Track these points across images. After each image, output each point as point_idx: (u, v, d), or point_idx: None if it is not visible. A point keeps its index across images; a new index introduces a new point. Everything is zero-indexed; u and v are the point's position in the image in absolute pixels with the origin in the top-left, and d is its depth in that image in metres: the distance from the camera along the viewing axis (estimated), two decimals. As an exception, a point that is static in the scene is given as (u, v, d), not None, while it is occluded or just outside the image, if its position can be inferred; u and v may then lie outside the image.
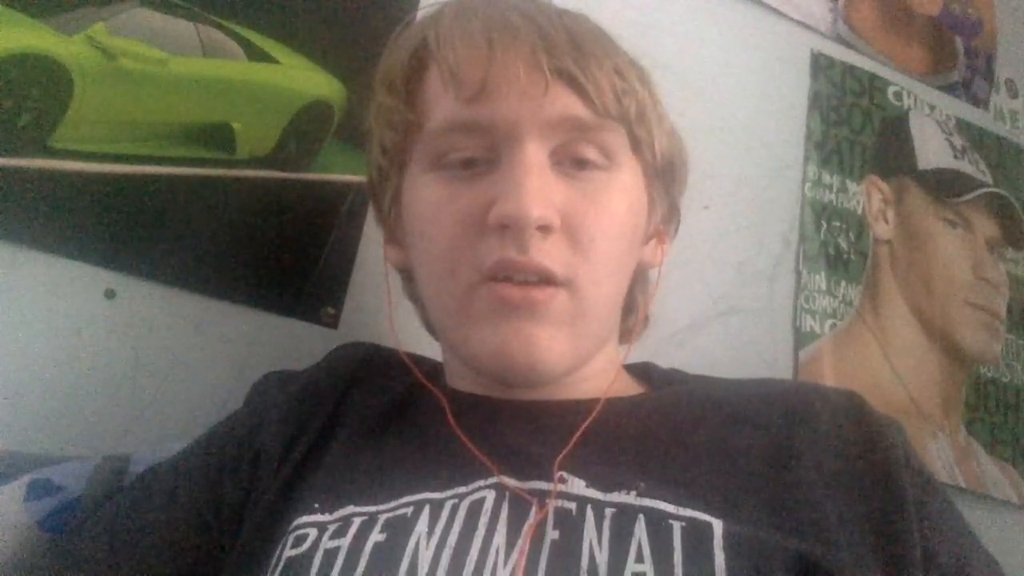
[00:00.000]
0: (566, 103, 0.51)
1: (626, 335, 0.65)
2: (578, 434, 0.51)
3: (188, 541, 0.55)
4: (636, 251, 0.58)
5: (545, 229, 0.50)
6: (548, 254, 0.50)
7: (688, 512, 0.45)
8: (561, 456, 0.49)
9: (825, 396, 0.54)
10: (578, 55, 0.51)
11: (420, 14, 0.88)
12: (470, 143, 0.52)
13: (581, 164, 0.53)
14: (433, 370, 0.63)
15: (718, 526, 0.44)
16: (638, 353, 0.67)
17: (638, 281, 0.63)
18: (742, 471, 0.49)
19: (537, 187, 0.49)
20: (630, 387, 0.61)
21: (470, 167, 0.53)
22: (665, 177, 0.60)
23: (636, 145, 0.56)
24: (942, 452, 1.12)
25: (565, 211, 0.51)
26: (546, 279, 0.50)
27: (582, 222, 0.51)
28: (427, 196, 0.54)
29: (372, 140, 0.61)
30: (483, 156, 0.52)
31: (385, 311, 0.64)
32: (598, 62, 0.52)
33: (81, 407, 0.70)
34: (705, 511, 0.45)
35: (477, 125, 0.52)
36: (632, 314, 0.64)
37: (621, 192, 0.54)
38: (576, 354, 0.53)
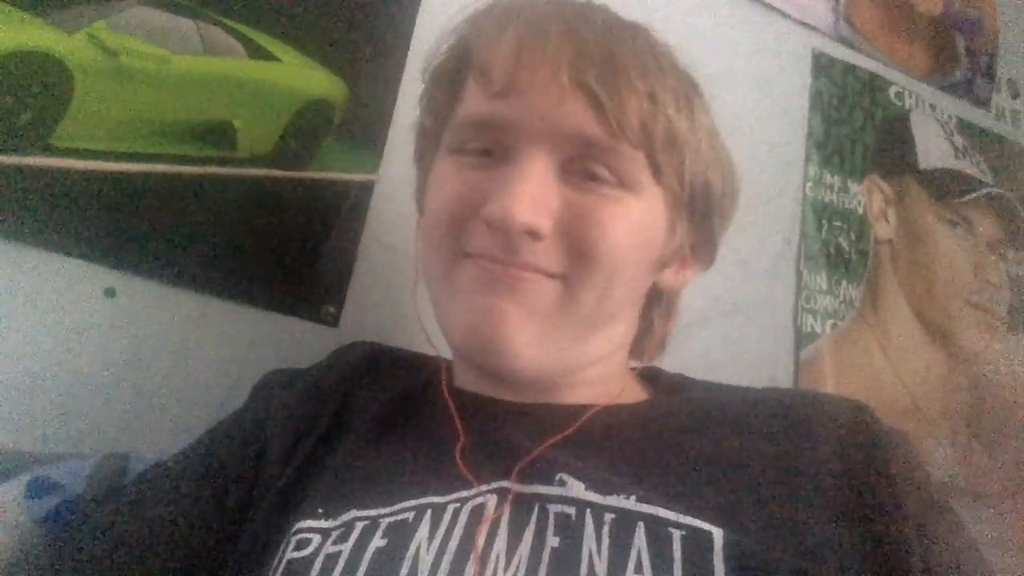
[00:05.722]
0: (581, 119, 0.51)
1: (638, 352, 0.64)
2: (561, 435, 0.51)
3: (191, 539, 0.54)
4: (646, 273, 0.57)
5: (534, 235, 0.50)
6: (540, 257, 0.51)
7: (688, 520, 0.45)
8: (530, 459, 0.49)
9: (831, 409, 0.53)
10: (607, 73, 0.50)
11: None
12: (486, 138, 0.53)
13: (592, 177, 0.52)
14: (438, 368, 0.63)
15: (718, 535, 0.44)
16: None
17: (655, 304, 0.63)
18: (742, 483, 0.48)
19: (530, 194, 0.50)
20: (634, 393, 0.61)
21: (488, 155, 0.54)
22: (696, 207, 0.58)
23: (657, 172, 0.54)
24: (942, 452, 1.12)
25: (563, 218, 0.51)
26: (537, 271, 0.51)
27: (579, 230, 0.51)
28: (441, 173, 0.57)
29: (417, 124, 0.64)
30: (498, 150, 0.53)
31: (410, 299, 0.63)
32: (631, 84, 0.51)
33: (81, 405, 0.70)
34: (705, 519, 0.45)
35: (493, 122, 0.53)
36: (648, 335, 0.64)
37: (629, 213, 0.53)
38: (549, 352, 0.52)
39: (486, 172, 0.53)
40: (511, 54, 0.51)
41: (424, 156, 0.63)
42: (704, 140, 0.57)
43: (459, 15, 0.58)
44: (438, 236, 0.54)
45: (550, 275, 0.51)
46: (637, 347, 0.64)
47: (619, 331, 0.59)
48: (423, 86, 0.62)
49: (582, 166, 0.52)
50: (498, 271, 0.51)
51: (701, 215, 0.59)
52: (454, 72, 0.58)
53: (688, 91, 0.56)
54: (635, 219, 0.53)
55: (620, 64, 0.51)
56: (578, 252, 0.51)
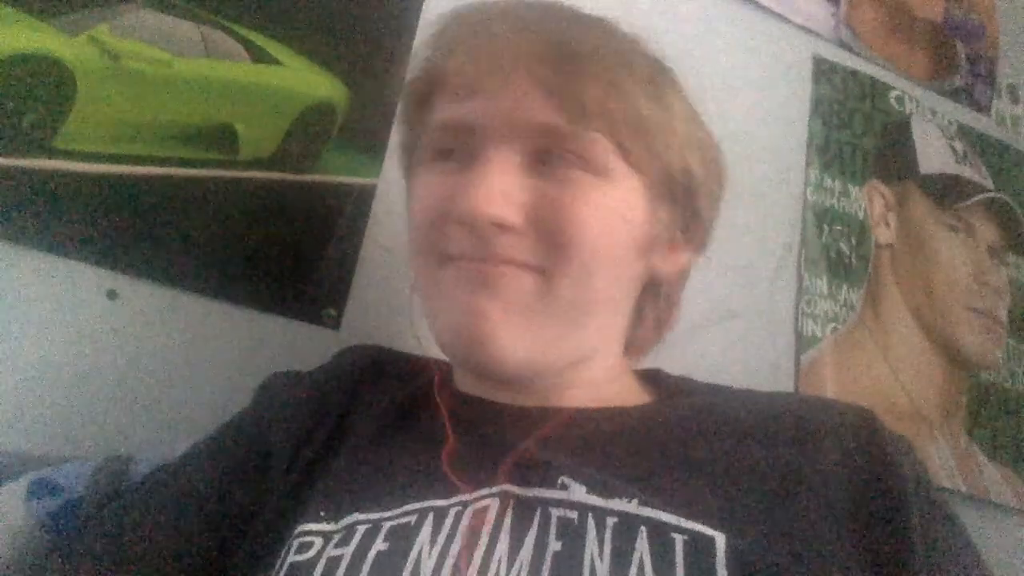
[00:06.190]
0: (541, 109, 0.52)
1: (632, 348, 0.63)
2: (547, 431, 0.52)
3: (194, 542, 0.54)
4: (630, 260, 0.56)
5: (502, 226, 0.51)
6: (516, 249, 0.51)
7: (690, 524, 0.44)
8: (518, 455, 0.50)
9: (835, 415, 0.53)
10: (564, 64, 0.52)
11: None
12: (453, 141, 0.55)
13: (560, 165, 0.53)
14: (438, 371, 0.63)
15: (721, 540, 0.43)
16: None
17: (651, 294, 0.62)
18: (745, 487, 0.48)
19: (494, 187, 0.51)
20: (637, 395, 0.60)
21: (459, 160, 0.55)
22: (676, 191, 0.58)
23: (628, 157, 0.54)
24: (943, 457, 1.12)
25: (535, 209, 0.52)
26: (514, 264, 0.52)
27: (551, 219, 0.52)
28: (417, 183, 0.59)
29: (400, 139, 0.66)
30: (467, 153, 0.54)
31: (409, 303, 0.64)
32: (588, 71, 0.52)
33: (83, 407, 0.70)
34: (707, 524, 0.44)
35: (458, 125, 0.54)
36: (642, 327, 0.63)
37: (601, 199, 0.53)
38: (534, 345, 0.52)
39: (456, 175, 0.54)
40: (469, 59, 0.53)
41: (407, 169, 0.65)
42: (679, 124, 0.57)
43: (429, 28, 0.60)
44: (421, 242, 0.56)
45: (527, 267, 0.52)
46: (632, 340, 0.63)
47: (609, 322, 0.58)
48: (402, 102, 0.64)
49: (550, 157, 0.53)
50: (476, 269, 0.52)
51: (684, 198, 0.59)
52: (425, 86, 0.59)
53: (656, 76, 0.57)
54: (609, 205, 0.53)
55: (576, 54, 0.53)
56: (553, 242, 0.52)
